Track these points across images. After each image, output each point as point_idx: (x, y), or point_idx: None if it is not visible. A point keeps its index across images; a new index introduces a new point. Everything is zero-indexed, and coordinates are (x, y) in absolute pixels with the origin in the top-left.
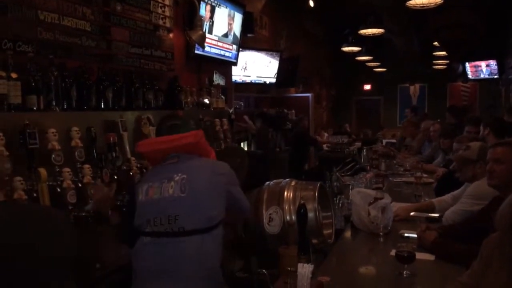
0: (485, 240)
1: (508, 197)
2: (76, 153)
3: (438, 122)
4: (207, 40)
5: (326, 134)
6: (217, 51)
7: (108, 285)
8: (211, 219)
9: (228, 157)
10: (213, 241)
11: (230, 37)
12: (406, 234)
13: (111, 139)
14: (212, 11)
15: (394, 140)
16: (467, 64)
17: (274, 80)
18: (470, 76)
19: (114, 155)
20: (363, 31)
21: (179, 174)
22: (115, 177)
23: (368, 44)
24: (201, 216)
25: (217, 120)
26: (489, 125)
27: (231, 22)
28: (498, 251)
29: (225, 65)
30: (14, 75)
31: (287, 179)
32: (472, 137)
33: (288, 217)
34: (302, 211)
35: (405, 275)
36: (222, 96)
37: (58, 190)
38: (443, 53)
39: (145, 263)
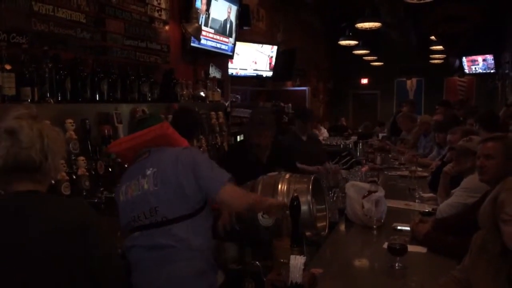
0: (474, 236)
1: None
2: (70, 145)
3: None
4: (203, 32)
5: (322, 128)
6: (213, 44)
7: None
8: (190, 205)
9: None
10: (201, 223)
11: (226, 30)
12: (399, 227)
13: (106, 131)
14: (208, 3)
15: (384, 133)
16: (464, 59)
17: (270, 74)
18: (466, 71)
19: None
20: (360, 25)
21: (150, 169)
22: (110, 169)
23: (365, 38)
24: (179, 204)
25: (213, 113)
26: (478, 120)
27: (228, 14)
28: (484, 248)
29: (221, 58)
30: (8, 67)
31: (282, 172)
32: (465, 128)
33: None
34: (295, 203)
35: (397, 267)
36: (218, 89)
37: (52, 182)
38: (440, 47)
39: (139, 255)
